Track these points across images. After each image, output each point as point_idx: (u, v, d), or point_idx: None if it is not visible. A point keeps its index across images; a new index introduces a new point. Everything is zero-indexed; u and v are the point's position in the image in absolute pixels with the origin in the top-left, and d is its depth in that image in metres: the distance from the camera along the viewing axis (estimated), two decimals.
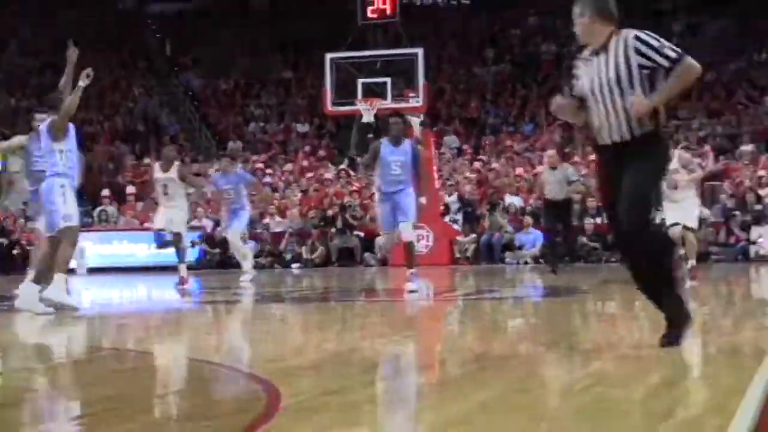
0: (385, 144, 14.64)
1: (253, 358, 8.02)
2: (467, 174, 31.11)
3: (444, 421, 4.82)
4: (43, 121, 12.63)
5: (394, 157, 14.44)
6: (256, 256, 27.39)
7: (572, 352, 7.50)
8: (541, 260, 24.29)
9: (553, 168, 20.55)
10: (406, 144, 14.77)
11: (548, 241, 21.74)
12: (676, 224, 15.38)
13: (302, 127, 39.91)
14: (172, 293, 17.05)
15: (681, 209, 15.51)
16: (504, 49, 43.80)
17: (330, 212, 29.17)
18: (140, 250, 27.65)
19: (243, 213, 19.32)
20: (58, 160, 12.24)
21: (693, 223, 15.93)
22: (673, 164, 14.87)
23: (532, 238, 25.86)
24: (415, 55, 27.94)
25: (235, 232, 19.31)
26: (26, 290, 12.24)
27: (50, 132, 12.28)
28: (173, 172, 17.68)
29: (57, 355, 8.85)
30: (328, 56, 28.14)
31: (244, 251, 19.77)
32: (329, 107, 29.16)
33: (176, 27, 46.84)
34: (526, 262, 25.49)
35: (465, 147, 34.89)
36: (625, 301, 12.22)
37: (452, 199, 28.69)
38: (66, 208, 12.21)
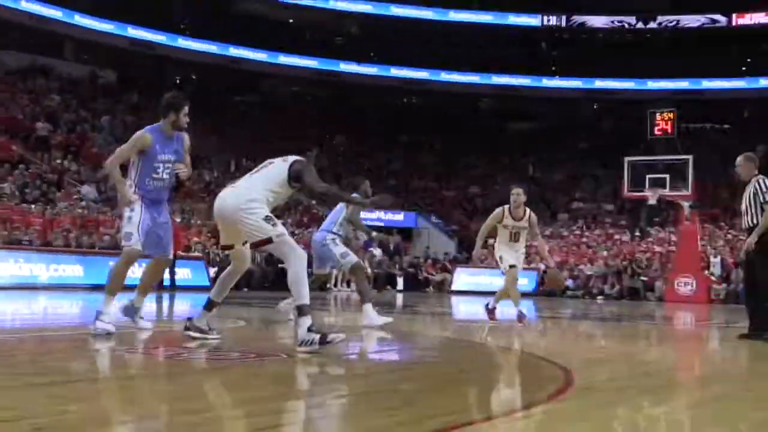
0: None
1: (562, 352, 7.92)
2: (721, 243, 29.84)
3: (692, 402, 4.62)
4: None
5: None
6: (574, 289, 27.52)
7: None
8: None
9: None
10: None
11: None
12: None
13: (608, 206, 39.28)
14: None
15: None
16: None
17: (624, 263, 28.59)
18: None
19: None
20: None
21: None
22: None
23: None
24: (687, 160, 27.01)
25: None
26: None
27: None
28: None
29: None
30: (627, 159, 27.62)
31: None
32: (626, 193, 28.59)
33: (527, 139, 47.12)
34: None
35: (722, 224, 33.42)
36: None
37: (716, 260, 27.47)
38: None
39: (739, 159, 9.84)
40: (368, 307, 9.77)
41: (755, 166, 9.70)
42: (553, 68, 47.32)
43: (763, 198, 9.24)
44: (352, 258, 10.12)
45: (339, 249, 10.04)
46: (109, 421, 3.75)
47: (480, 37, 46.33)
